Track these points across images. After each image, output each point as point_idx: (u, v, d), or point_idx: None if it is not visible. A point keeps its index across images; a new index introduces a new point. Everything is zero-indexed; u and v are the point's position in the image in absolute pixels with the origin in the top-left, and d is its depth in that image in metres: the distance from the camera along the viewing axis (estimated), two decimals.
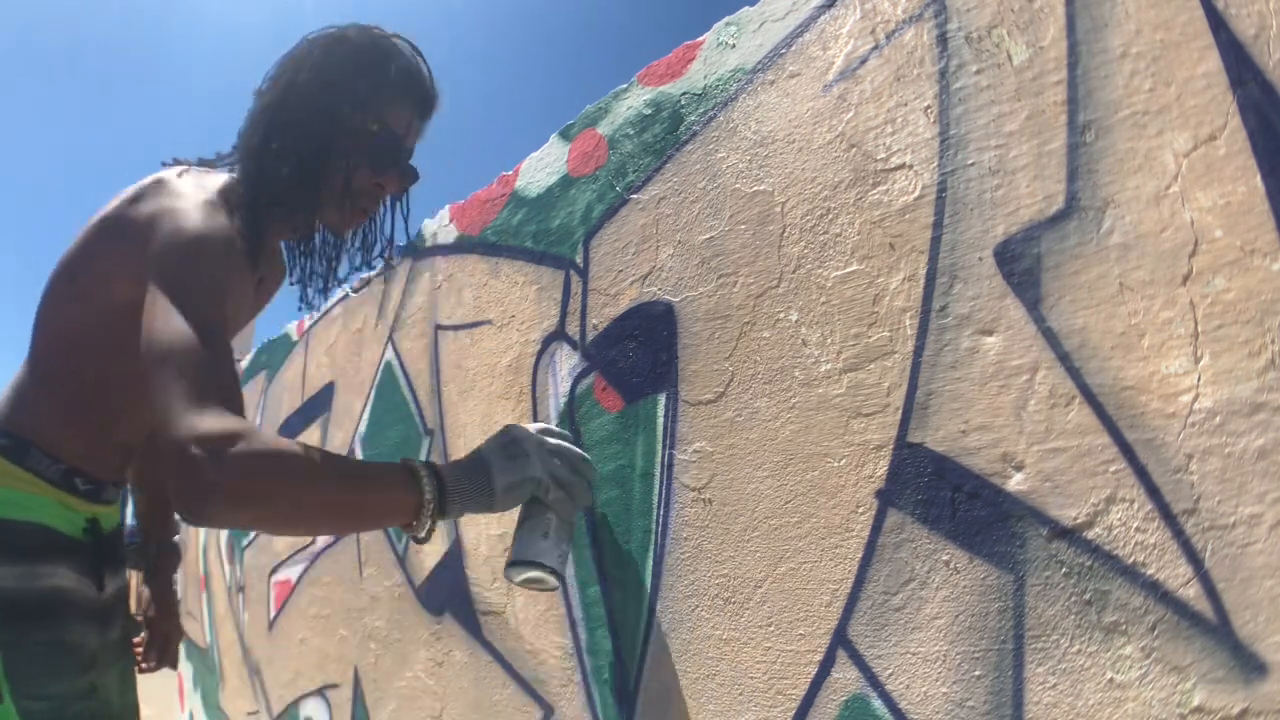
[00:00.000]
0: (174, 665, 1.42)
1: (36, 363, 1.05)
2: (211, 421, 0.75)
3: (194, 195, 0.98)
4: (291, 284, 1.25)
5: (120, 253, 0.98)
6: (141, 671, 1.33)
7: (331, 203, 1.09)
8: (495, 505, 0.96)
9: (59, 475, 1.03)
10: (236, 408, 0.82)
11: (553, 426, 1.09)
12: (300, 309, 1.27)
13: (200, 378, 0.79)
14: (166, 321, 0.82)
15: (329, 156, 1.06)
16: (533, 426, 1.05)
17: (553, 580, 1.11)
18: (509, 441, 0.99)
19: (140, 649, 1.37)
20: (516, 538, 1.07)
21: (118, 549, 1.17)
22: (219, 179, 1.06)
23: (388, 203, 1.21)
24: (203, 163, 1.11)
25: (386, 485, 0.87)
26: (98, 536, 1.11)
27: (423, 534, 0.91)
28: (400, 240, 1.27)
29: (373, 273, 2.43)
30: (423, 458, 2.08)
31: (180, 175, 1.04)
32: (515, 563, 1.05)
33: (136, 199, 1.00)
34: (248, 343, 4.07)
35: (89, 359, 1.03)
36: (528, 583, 1.12)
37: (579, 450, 1.05)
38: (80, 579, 1.06)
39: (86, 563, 1.08)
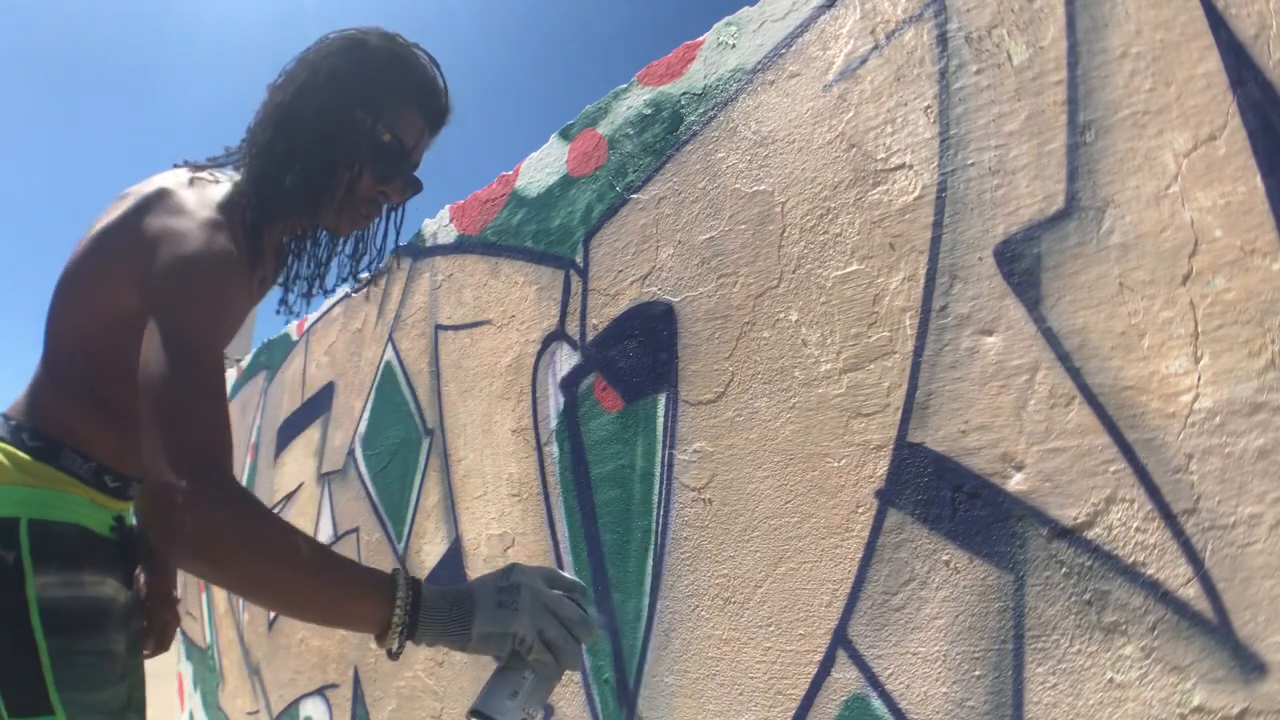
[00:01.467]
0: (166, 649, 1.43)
1: (52, 369, 1.06)
2: (196, 480, 0.78)
3: (196, 213, 0.97)
4: (278, 284, 1.24)
5: (122, 268, 0.98)
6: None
7: (333, 206, 1.09)
8: (468, 648, 0.91)
9: (90, 473, 1.04)
10: (224, 453, 0.84)
11: (563, 574, 0.99)
12: (278, 312, 1.26)
13: (189, 426, 0.82)
14: (160, 360, 0.84)
15: (335, 161, 1.05)
16: (541, 572, 0.97)
17: None
18: (506, 586, 0.92)
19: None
20: (488, 682, 0.99)
21: (139, 546, 1.18)
22: (222, 188, 1.05)
23: (384, 213, 1.19)
24: (211, 161, 1.11)
25: (358, 590, 0.85)
26: (124, 534, 1.12)
27: (394, 649, 0.87)
28: (390, 251, 1.25)
29: (369, 274, 2.43)
30: (423, 458, 2.09)
31: (185, 186, 1.02)
32: (475, 711, 0.99)
33: (140, 210, 0.99)
34: (248, 342, 4.07)
35: (100, 372, 1.04)
36: None
37: (580, 609, 0.95)
38: (117, 584, 1.07)
39: (118, 562, 1.09)
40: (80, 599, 1.01)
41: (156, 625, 1.39)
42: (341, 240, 1.20)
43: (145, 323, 0.88)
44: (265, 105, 1.08)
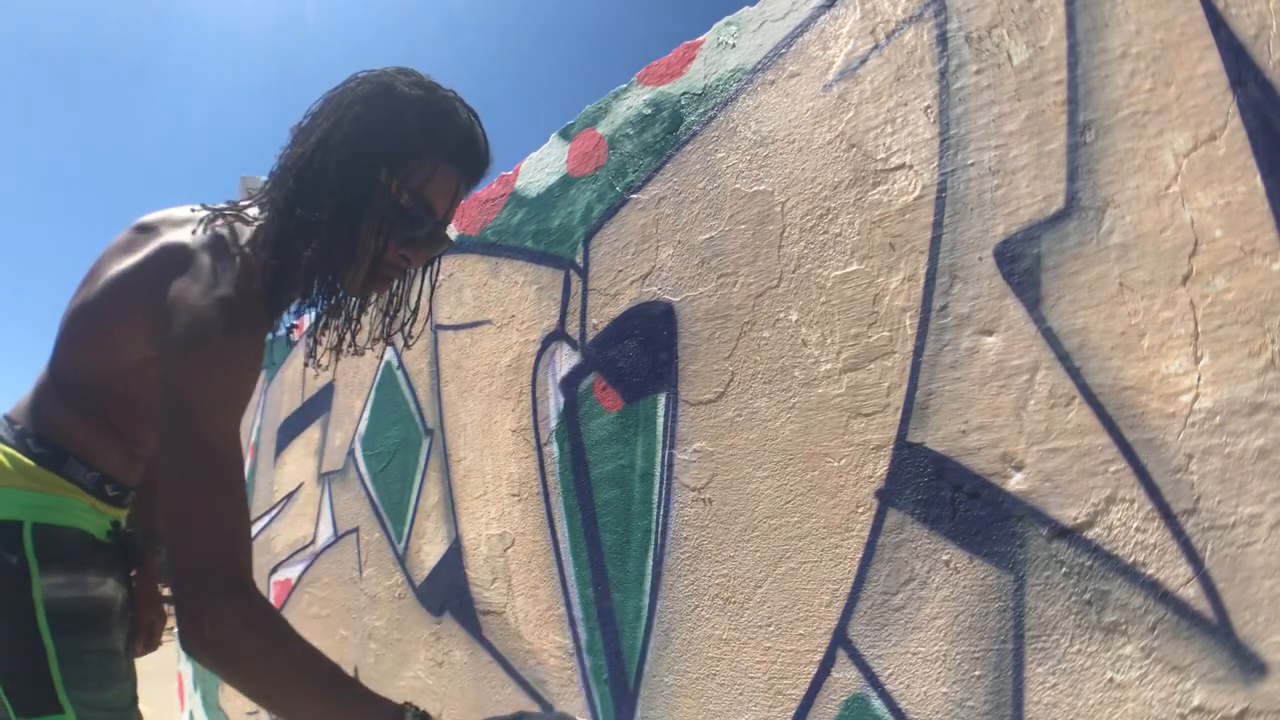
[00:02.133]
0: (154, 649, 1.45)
1: (59, 384, 1.07)
2: (216, 592, 0.83)
3: (215, 288, 0.94)
4: (305, 335, 1.20)
5: (136, 323, 0.97)
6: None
7: (353, 270, 1.03)
8: None
9: (93, 483, 1.06)
10: (242, 560, 0.88)
11: (571, 718, 0.94)
12: (306, 364, 1.22)
13: (209, 536, 0.85)
14: (178, 461, 0.87)
15: (357, 228, 0.99)
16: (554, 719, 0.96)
17: None
18: None
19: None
20: None
21: (135, 551, 1.20)
22: (242, 257, 1.00)
23: (415, 270, 1.14)
24: (232, 206, 1.07)
25: (363, 718, 0.87)
26: (120, 538, 1.13)
27: None
28: (428, 311, 1.17)
29: (405, 334, 2.42)
30: (423, 458, 2.09)
31: (206, 247, 0.99)
32: None
33: (159, 263, 0.97)
34: None
35: (108, 402, 1.06)
36: None
37: None
38: (116, 584, 1.09)
39: (116, 563, 1.10)
40: (85, 599, 1.02)
41: (143, 625, 1.41)
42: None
43: (157, 375, 0.89)
44: (288, 153, 1.02)
